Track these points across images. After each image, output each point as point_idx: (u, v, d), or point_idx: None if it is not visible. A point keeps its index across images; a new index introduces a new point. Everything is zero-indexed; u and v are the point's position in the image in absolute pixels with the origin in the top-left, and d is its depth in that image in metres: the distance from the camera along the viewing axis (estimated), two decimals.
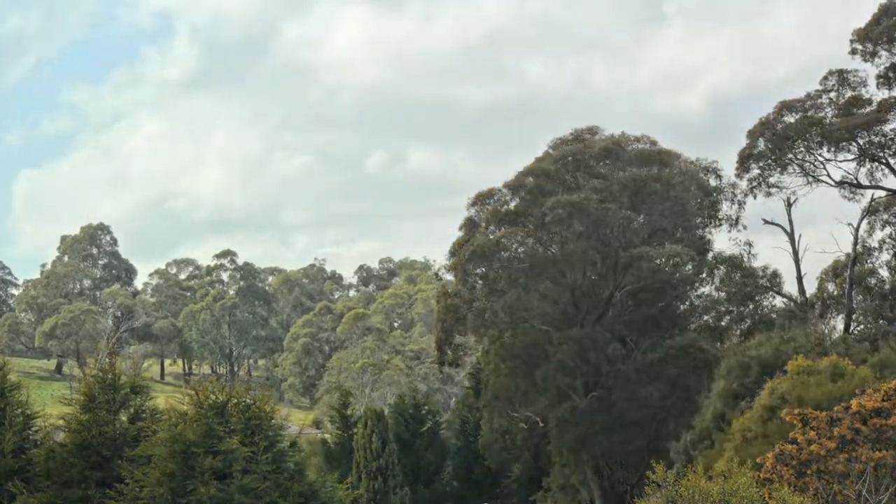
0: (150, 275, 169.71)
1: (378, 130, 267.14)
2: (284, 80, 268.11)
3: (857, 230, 54.09)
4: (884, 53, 51.45)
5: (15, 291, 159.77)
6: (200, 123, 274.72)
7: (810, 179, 54.40)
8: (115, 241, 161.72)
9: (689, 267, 51.38)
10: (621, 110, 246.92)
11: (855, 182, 54.11)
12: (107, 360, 17.41)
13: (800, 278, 55.56)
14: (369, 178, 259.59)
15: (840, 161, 53.90)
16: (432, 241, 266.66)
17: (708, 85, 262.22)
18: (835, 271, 56.37)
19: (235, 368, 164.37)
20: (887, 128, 51.98)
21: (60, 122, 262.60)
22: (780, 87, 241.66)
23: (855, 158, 53.53)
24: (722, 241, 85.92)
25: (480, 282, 53.65)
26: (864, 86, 53.14)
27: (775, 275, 56.08)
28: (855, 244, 54.01)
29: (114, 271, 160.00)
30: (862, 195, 54.49)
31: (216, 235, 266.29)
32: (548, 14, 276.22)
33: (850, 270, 53.45)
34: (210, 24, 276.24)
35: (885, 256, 55.02)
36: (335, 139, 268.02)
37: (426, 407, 65.42)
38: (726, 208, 55.92)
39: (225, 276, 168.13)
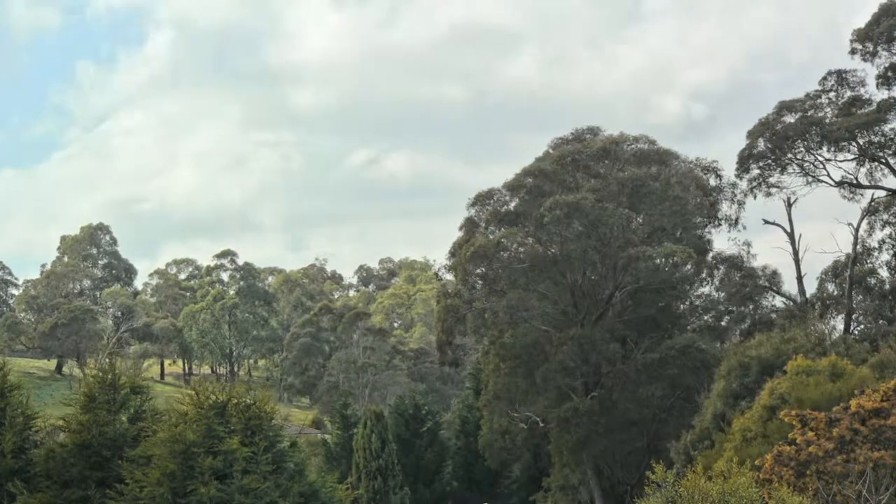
0: (150, 275, 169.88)
1: (371, 130, 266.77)
2: (272, 79, 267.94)
3: (857, 230, 54.15)
4: (883, 53, 51.44)
5: (15, 291, 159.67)
6: (187, 123, 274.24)
7: (810, 179, 54.43)
8: (114, 241, 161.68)
9: (689, 267, 51.35)
10: (609, 108, 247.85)
11: (855, 182, 54.13)
12: (107, 360, 17.43)
13: (800, 278, 55.60)
14: (363, 179, 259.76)
15: (840, 161, 53.98)
16: (429, 242, 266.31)
17: (690, 81, 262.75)
18: (835, 271, 56.39)
19: (235, 369, 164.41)
20: (887, 128, 52.00)
21: (43, 122, 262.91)
22: (756, 85, 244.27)
23: (855, 158, 53.54)
24: (721, 241, 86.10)
25: (480, 282, 53.66)
26: (864, 86, 53.22)
27: (775, 274, 56.16)
28: (855, 244, 54.03)
29: (114, 271, 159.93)
30: (862, 195, 54.54)
31: (208, 236, 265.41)
32: (528, 9, 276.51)
33: (850, 270, 53.46)
34: (187, 23, 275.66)
35: (885, 256, 55.05)
36: (328, 139, 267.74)
37: (426, 407, 65.44)
38: (726, 208, 55.96)
39: (225, 277, 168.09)
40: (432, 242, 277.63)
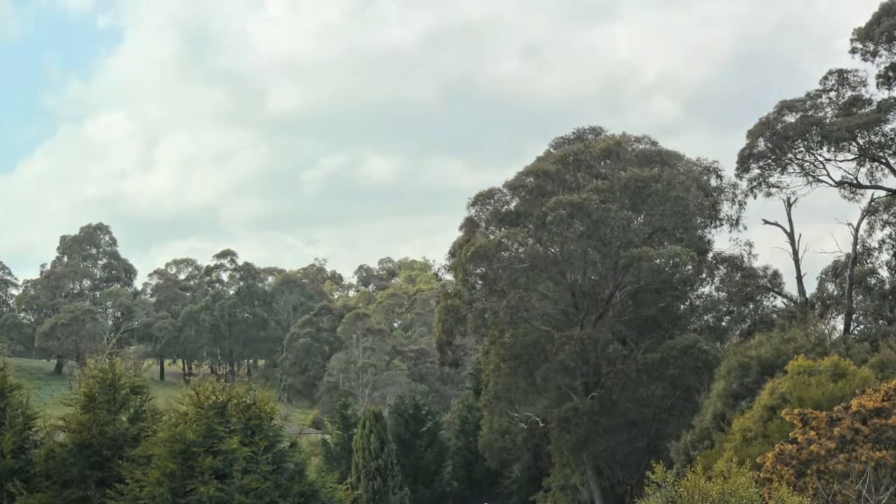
0: (150, 275, 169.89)
1: (368, 131, 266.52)
2: (261, 78, 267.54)
3: (857, 230, 54.11)
4: (884, 53, 51.42)
5: (15, 291, 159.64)
6: (173, 123, 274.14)
7: (810, 179, 54.40)
8: (114, 241, 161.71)
9: (690, 267, 51.34)
10: (590, 105, 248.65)
11: (855, 182, 54.10)
12: (107, 360, 17.41)
13: (800, 278, 55.57)
14: (359, 179, 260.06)
15: (840, 161, 53.95)
16: (429, 242, 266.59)
17: (669, 79, 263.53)
18: (835, 271, 56.37)
19: (235, 369, 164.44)
20: (887, 128, 51.98)
21: (24, 122, 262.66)
22: (732, 84, 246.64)
23: (855, 158, 53.51)
24: (722, 242, 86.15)
25: (481, 282, 53.61)
26: (864, 86, 53.19)
27: (776, 275, 56.14)
28: (855, 244, 54.00)
29: (114, 271, 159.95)
30: (862, 195, 54.51)
31: (203, 237, 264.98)
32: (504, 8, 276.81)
33: (850, 270, 53.42)
34: (173, 24, 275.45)
35: (885, 256, 55.03)
36: (319, 140, 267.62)
37: (426, 407, 65.44)
38: (727, 208, 55.95)
39: (225, 277, 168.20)
40: (431, 242, 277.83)
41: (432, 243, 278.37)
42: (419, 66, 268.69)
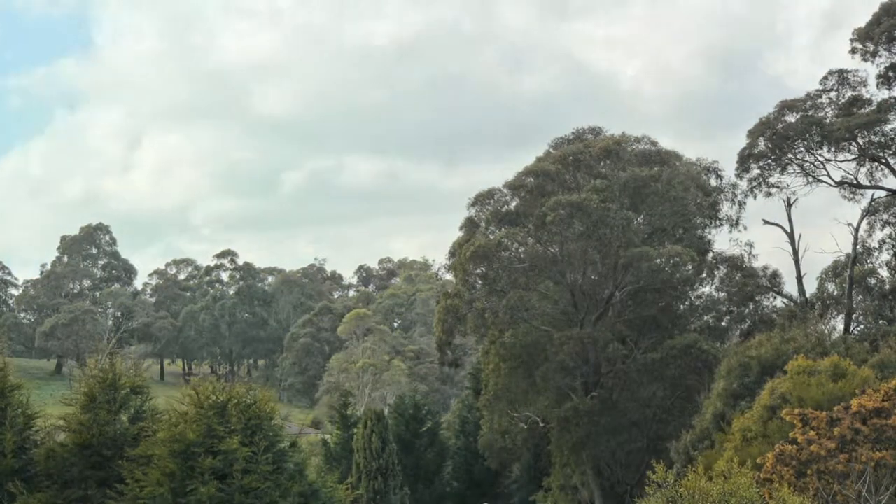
0: (150, 275, 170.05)
1: (351, 134, 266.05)
2: (246, 78, 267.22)
3: (857, 230, 54.08)
4: (884, 53, 51.42)
5: (15, 291, 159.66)
6: (162, 124, 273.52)
7: (810, 179, 54.38)
8: (114, 241, 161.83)
9: (690, 267, 51.36)
10: (573, 105, 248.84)
11: (855, 182, 54.09)
12: (107, 360, 17.38)
13: (800, 278, 55.55)
14: (354, 180, 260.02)
15: (840, 161, 53.92)
16: (428, 242, 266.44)
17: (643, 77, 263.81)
18: (835, 271, 56.35)
19: (235, 368, 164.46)
20: (887, 128, 51.96)
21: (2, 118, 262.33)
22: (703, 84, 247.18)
23: (855, 158, 53.50)
24: (722, 242, 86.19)
25: (481, 282, 53.63)
26: (865, 86, 53.17)
27: (776, 275, 56.14)
28: (855, 244, 53.98)
29: (114, 271, 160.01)
30: (862, 195, 54.49)
31: (199, 238, 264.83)
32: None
33: (850, 270, 53.41)
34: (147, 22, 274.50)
35: (885, 256, 55.01)
36: (310, 140, 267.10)
37: (426, 407, 65.43)
38: (727, 208, 55.96)
39: (225, 277, 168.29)
40: (430, 242, 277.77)
41: (431, 243, 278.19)
42: (408, 66, 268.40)
